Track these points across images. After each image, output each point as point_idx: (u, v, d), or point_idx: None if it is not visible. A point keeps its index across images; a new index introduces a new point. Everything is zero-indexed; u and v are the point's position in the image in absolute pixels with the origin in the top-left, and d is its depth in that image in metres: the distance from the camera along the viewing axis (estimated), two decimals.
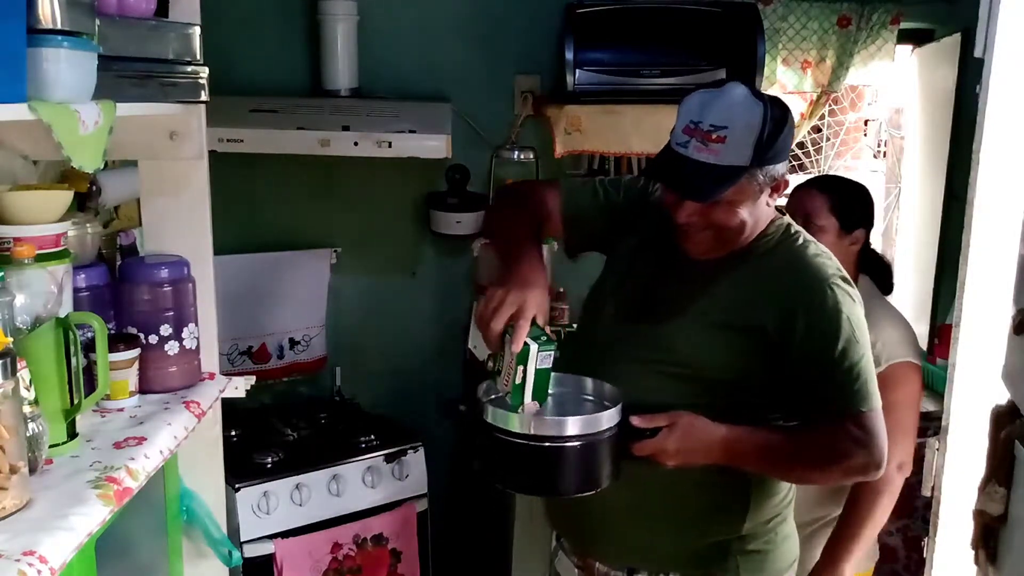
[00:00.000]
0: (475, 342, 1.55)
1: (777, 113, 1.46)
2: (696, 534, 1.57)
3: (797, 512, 1.90)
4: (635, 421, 1.41)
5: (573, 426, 1.38)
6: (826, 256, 1.56)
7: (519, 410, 1.40)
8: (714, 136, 1.42)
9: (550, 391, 1.45)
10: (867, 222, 2.08)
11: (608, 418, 1.39)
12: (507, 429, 1.38)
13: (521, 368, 1.38)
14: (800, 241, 1.58)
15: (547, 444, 1.37)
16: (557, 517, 1.74)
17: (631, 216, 1.69)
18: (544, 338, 1.39)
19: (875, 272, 2.11)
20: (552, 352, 1.40)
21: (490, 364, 1.46)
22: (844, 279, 1.53)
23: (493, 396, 1.48)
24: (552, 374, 1.43)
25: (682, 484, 1.52)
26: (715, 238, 1.53)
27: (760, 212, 1.54)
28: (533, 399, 1.40)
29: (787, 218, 1.62)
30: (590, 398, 1.52)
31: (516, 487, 1.48)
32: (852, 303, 1.51)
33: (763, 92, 1.52)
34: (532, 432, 1.37)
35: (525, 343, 1.37)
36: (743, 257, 1.55)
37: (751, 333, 1.49)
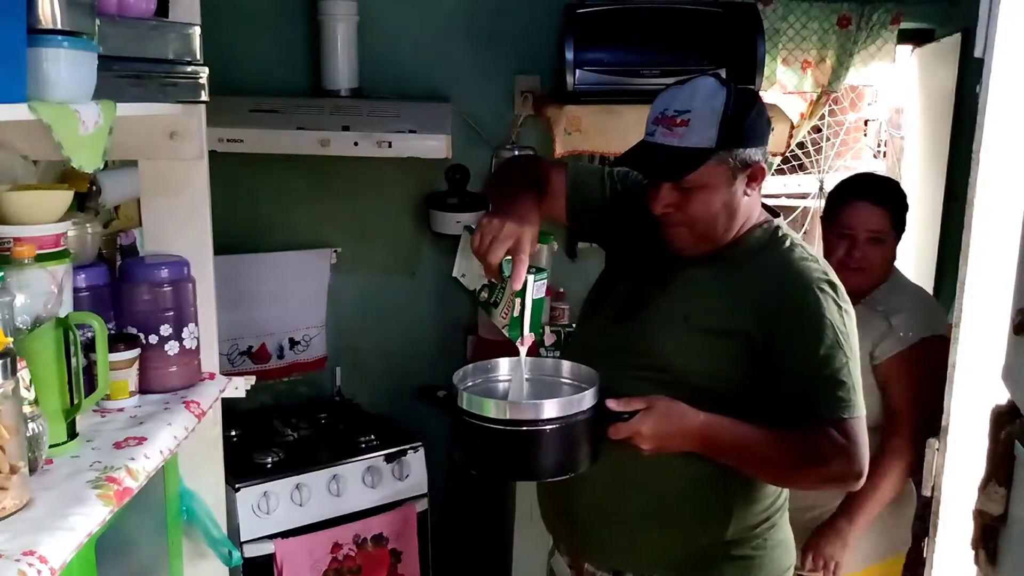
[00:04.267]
0: (463, 270, 1.53)
1: (743, 96, 1.48)
2: (680, 538, 1.57)
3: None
4: (611, 404, 1.40)
5: (549, 409, 1.36)
6: (812, 260, 1.55)
7: (518, 342, 1.42)
8: (678, 120, 1.45)
9: (527, 376, 1.48)
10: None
11: (584, 401, 1.38)
12: (483, 415, 1.37)
13: (519, 300, 1.40)
14: (787, 244, 1.56)
15: (524, 428, 1.36)
16: (550, 519, 1.74)
17: (633, 211, 1.67)
18: (534, 268, 1.41)
19: None
20: (546, 281, 1.43)
21: (483, 295, 1.48)
22: (830, 284, 1.51)
23: (470, 383, 1.49)
24: (529, 358, 1.46)
25: (666, 488, 1.53)
26: (694, 231, 1.52)
27: (738, 203, 1.52)
28: (530, 331, 1.43)
29: (779, 220, 1.61)
30: (567, 381, 1.51)
31: (494, 473, 1.47)
32: (837, 309, 1.49)
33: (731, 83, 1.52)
34: (508, 417, 1.36)
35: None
36: (729, 260, 1.55)
37: (736, 338, 1.48)
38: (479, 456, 1.44)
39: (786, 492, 1.65)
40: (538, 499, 1.77)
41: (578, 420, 1.37)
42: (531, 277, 1.40)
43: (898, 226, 2.09)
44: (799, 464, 1.46)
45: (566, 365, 1.52)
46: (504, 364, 1.53)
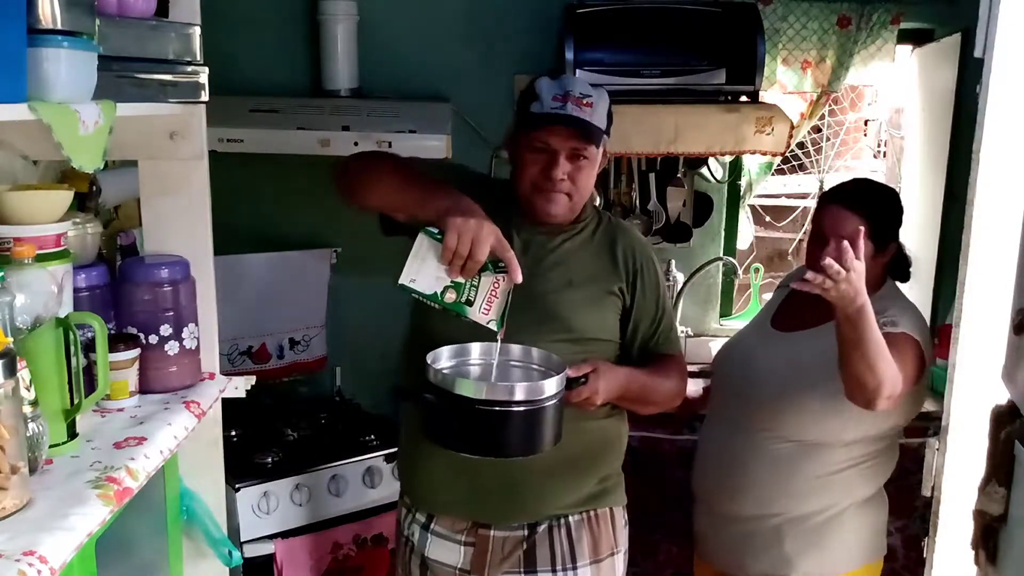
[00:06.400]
0: (413, 275, 1.56)
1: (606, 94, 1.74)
2: (589, 476, 1.79)
3: (778, 506, 2.00)
4: (569, 372, 1.57)
5: (523, 392, 1.48)
6: (639, 231, 1.98)
7: (499, 336, 1.54)
8: (585, 101, 1.68)
9: (495, 360, 1.60)
10: (898, 232, 1.98)
11: (554, 384, 1.52)
12: (465, 395, 1.47)
13: (501, 293, 1.51)
14: (614, 220, 1.89)
15: (497, 408, 1.47)
16: (441, 501, 1.80)
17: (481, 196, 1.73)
18: (501, 264, 1.50)
19: (897, 267, 2.03)
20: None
21: (449, 296, 1.52)
22: (652, 248, 1.92)
23: (447, 367, 1.58)
24: (501, 344, 1.56)
25: (579, 437, 1.71)
26: (571, 200, 1.73)
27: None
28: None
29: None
30: (535, 367, 1.64)
31: (468, 450, 1.54)
32: (662, 270, 2.02)
33: None
34: (486, 397, 1.47)
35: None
36: (580, 232, 1.80)
37: (613, 295, 1.78)
38: (454, 434, 1.53)
39: None
40: (427, 486, 1.82)
41: (548, 404, 1.50)
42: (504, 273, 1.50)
43: (879, 234, 1.92)
44: (670, 390, 1.82)
45: (535, 352, 1.65)
46: (476, 348, 1.63)
